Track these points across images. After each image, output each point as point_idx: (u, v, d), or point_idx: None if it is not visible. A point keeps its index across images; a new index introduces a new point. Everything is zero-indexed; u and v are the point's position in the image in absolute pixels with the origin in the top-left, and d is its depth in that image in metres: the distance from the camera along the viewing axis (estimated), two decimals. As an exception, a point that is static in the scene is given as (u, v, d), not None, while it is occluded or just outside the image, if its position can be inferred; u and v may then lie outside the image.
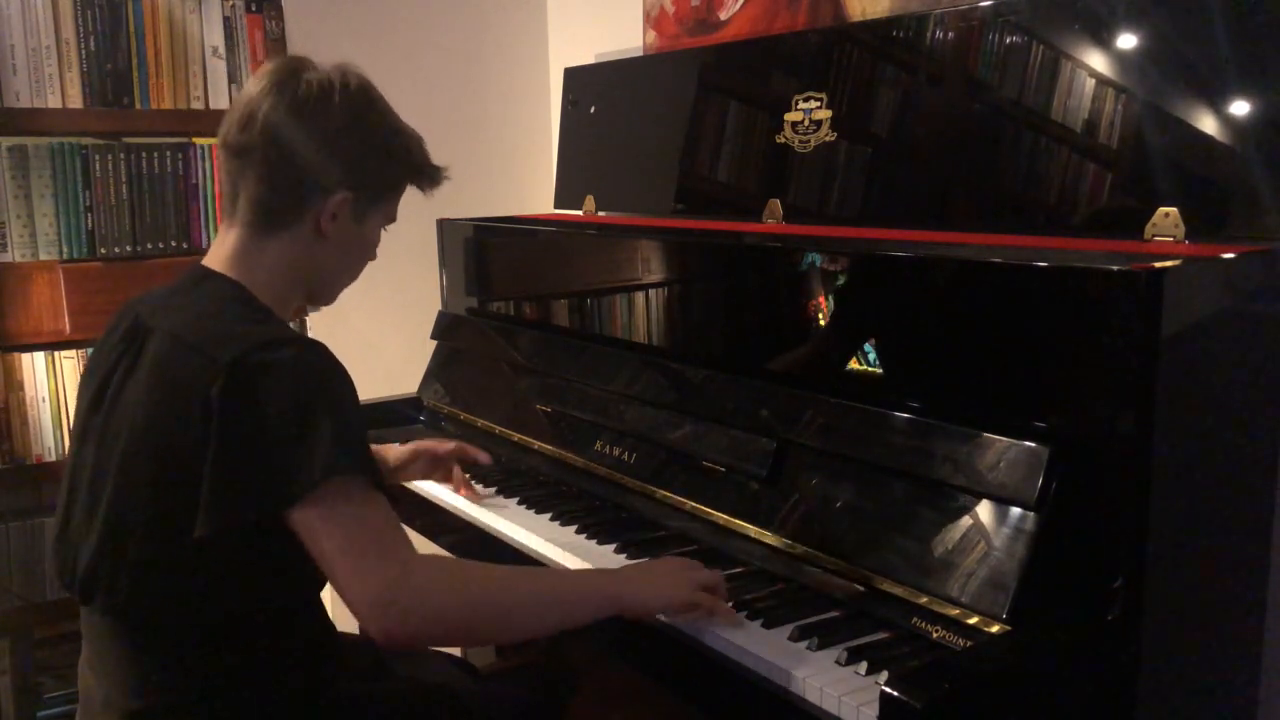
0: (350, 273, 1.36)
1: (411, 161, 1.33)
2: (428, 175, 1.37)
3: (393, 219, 1.37)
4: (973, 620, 1.12)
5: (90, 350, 2.09)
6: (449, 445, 1.76)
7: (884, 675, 1.09)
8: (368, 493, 1.13)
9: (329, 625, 1.34)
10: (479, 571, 1.22)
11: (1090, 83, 1.41)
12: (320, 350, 1.16)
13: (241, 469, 1.09)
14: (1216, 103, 1.30)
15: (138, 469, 1.15)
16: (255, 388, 1.10)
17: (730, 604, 1.27)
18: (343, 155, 1.24)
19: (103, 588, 1.17)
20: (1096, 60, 1.41)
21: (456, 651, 2.38)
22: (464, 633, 1.24)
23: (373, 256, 1.38)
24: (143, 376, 1.17)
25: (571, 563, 1.46)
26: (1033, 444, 1.12)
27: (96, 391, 1.23)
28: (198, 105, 2.20)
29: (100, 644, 1.22)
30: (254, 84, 1.25)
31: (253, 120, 1.22)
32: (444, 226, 2.27)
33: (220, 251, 1.27)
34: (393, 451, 1.75)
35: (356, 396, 1.17)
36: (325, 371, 1.14)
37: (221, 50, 2.21)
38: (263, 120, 1.22)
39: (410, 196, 1.38)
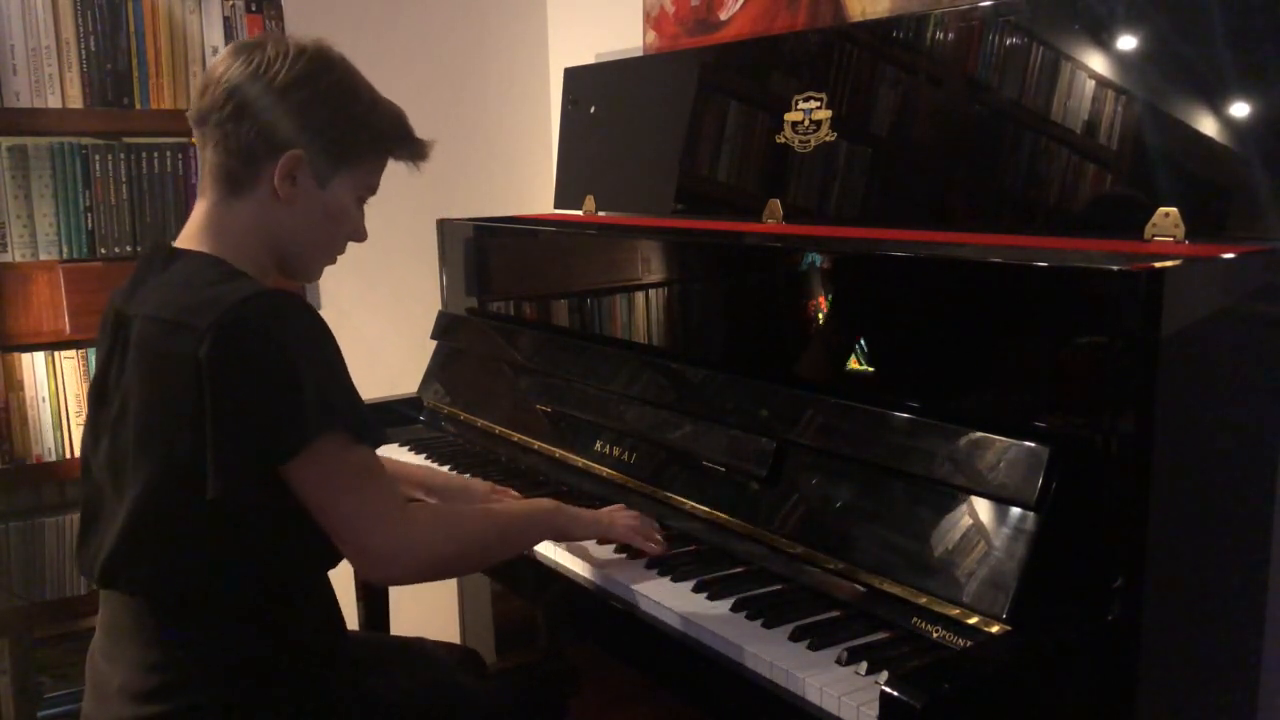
0: (323, 244, 1.32)
1: (376, 126, 1.30)
2: (401, 144, 1.33)
3: (370, 190, 1.33)
4: (973, 620, 1.12)
5: (90, 350, 2.11)
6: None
7: (884, 675, 1.09)
8: (358, 446, 1.17)
9: (338, 612, 1.36)
10: (462, 518, 1.35)
11: (1090, 83, 1.41)
12: (296, 303, 1.17)
13: (241, 426, 1.12)
14: (1216, 103, 1.30)
15: (149, 452, 1.17)
16: (240, 345, 1.12)
17: (657, 548, 1.43)
18: (291, 112, 1.22)
19: (126, 568, 1.19)
20: (1096, 61, 1.41)
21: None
22: (452, 571, 1.36)
23: (358, 235, 1.34)
24: (132, 364, 1.19)
25: (574, 564, 1.46)
26: (1033, 444, 1.12)
27: (99, 390, 1.25)
28: (198, 105, 2.20)
29: (119, 628, 1.23)
30: (217, 57, 1.26)
31: (209, 86, 1.23)
32: (444, 226, 2.27)
33: (191, 227, 1.27)
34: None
35: (335, 347, 1.19)
36: (302, 324, 1.16)
37: (221, 50, 2.21)
38: (217, 84, 1.22)
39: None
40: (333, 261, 1.36)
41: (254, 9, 2.24)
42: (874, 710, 1.01)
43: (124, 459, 1.19)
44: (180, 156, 2.16)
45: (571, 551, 1.48)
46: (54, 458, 2.10)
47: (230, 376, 1.12)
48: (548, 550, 1.51)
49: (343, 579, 1.44)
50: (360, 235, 1.35)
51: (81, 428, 2.09)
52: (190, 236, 1.27)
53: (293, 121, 1.22)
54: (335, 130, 1.25)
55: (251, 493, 1.15)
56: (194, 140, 1.28)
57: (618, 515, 1.47)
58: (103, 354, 1.26)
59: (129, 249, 2.13)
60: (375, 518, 1.17)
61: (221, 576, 1.19)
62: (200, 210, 1.27)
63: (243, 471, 1.13)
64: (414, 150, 1.35)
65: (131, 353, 1.19)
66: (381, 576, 1.24)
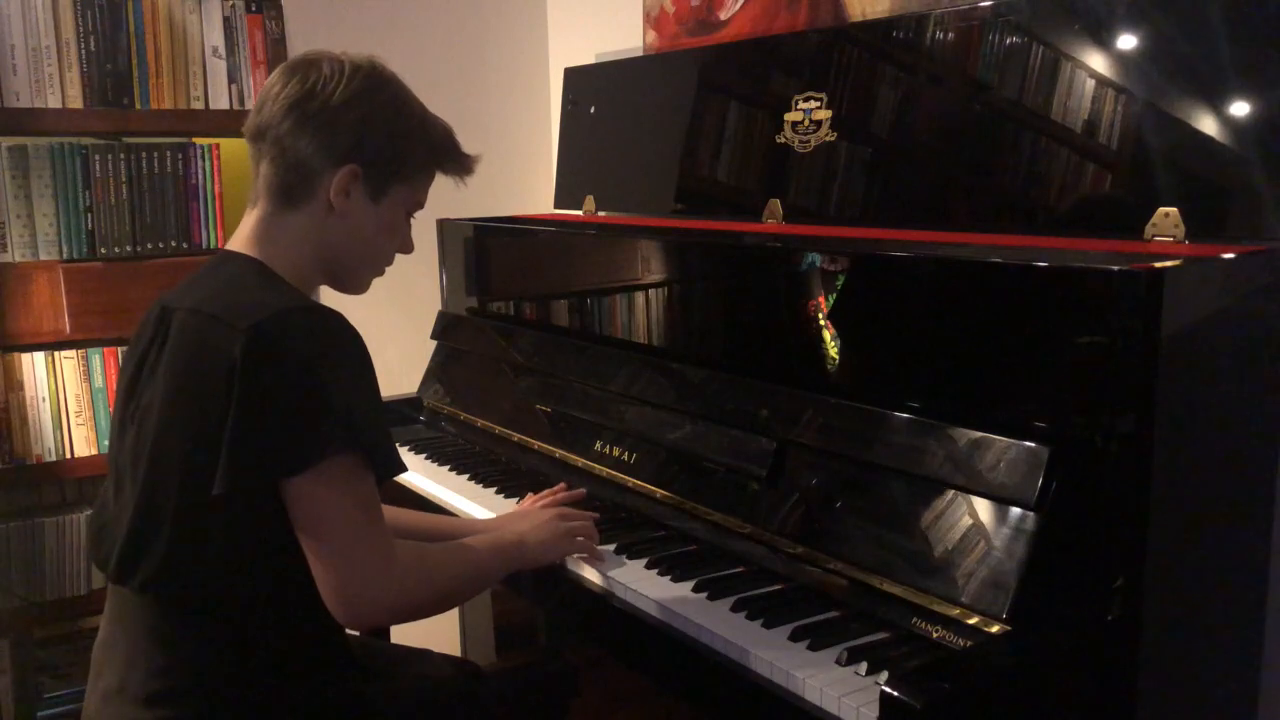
0: (372, 257, 1.34)
1: (428, 141, 1.33)
2: (450, 159, 1.36)
3: (419, 205, 1.36)
4: (973, 620, 1.12)
5: (90, 350, 2.11)
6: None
7: (884, 675, 1.09)
8: (361, 478, 1.16)
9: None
10: (437, 557, 1.30)
11: (1090, 83, 1.41)
12: (340, 321, 1.18)
13: (258, 431, 1.12)
14: (1216, 103, 1.30)
15: (170, 441, 1.17)
16: (275, 351, 1.12)
17: (597, 542, 1.46)
18: (347, 128, 1.24)
19: (140, 564, 1.18)
20: (1096, 60, 1.41)
21: (457, 651, 2.39)
22: (424, 613, 1.30)
23: (406, 247, 1.37)
24: (169, 352, 1.20)
25: (573, 564, 1.46)
26: (1033, 444, 1.12)
27: (130, 381, 1.26)
28: (198, 105, 2.20)
29: (126, 625, 1.23)
30: (272, 74, 1.28)
31: (265, 104, 1.26)
32: (444, 226, 2.27)
33: (241, 233, 1.29)
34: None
35: (371, 370, 1.20)
36: (342, 342, 1.17)
37: (221, 50, 2.21)
38: (273, 102, 1.25)
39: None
40: (380, 274, 1.38)
41: (254, 9, 2.24)
42: (874, 710, 1.01)
43: (144, 449, 1.19)
44: (180, 156, 2.17)
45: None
46: (54, 458, 2.10)
47: (260, 379, 1.12)
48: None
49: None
50: (408, 247, 1.37)
51: (81, 428, 2.11)
52: (241, 242, 1.28)
53: (349, 137, 1.25)
54: (390, 146, 1.28)
55: (256, 497, 1.14)
56: (245, 153, 1.31)
57: (570, 538, 1.44)
58: (140, 348, 1.26)
59: (129, 249, 2.13)
60: (360, 561, 1.16)
61: (229, 579, 1.18)
62: (251, 219, 1.29)
63: (251, 474, 1.12)
64: (462, 165, 1.39)
65: (170, 342, 1.20)
66: (351, 620, 1.19)
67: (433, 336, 2.22)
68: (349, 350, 1.18)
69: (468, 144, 1.41)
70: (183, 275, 1.31)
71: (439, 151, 1.35)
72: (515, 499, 1.70)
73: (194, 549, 1.17)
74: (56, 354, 2.09)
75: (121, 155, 2.12)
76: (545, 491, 1.66)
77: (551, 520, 1.46)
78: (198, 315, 1.19)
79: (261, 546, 1.18)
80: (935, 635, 1.15)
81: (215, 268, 1.28)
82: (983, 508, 1.15)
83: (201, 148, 2.19)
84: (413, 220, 1.38)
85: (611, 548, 1.48)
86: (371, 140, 1.26)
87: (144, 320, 1.29)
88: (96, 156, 2.10)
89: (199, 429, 1.14)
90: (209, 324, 1.17)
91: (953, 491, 1.18)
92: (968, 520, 1.16)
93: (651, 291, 1.73)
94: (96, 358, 2.12)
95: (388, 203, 1.31)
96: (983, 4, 1.55)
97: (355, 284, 1.35)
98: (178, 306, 1.22)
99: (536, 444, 1.82)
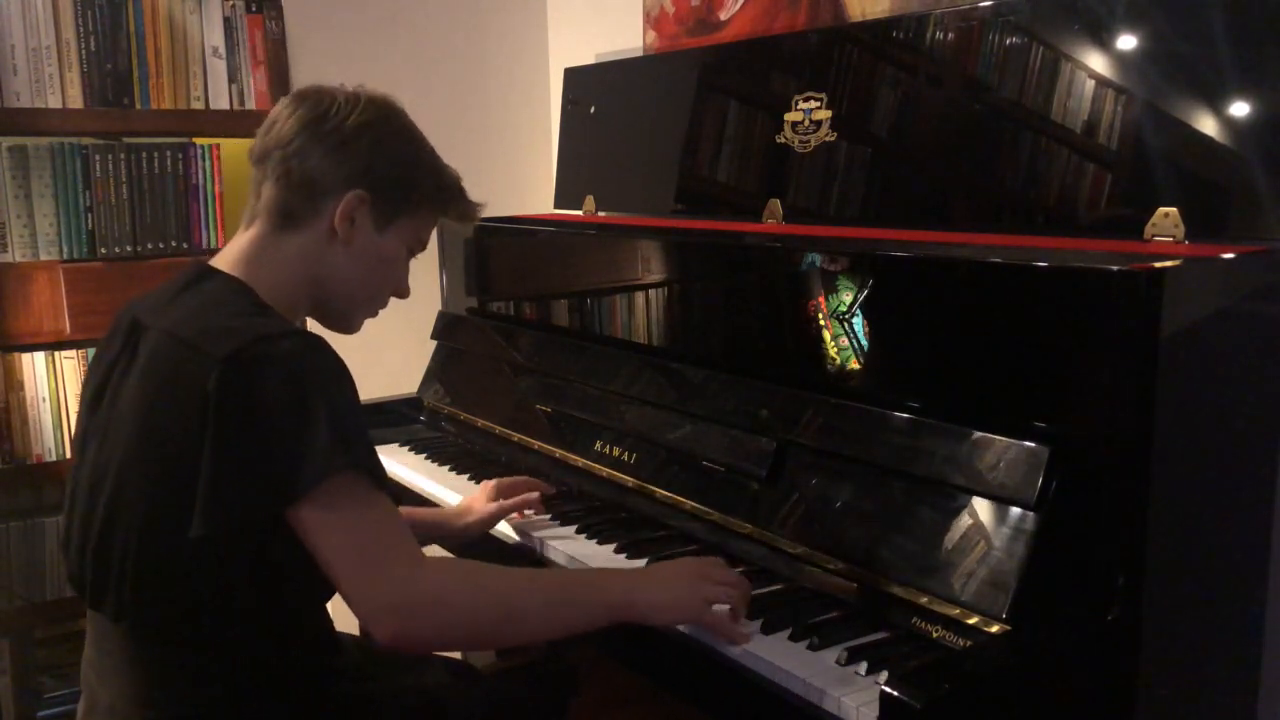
0: (369, 292, 1.32)
1: (438, 176, 1.33)
2: (458, 200, 1.36)
3: (421, 245, 1.35)
4: (973, 620, 1.12)
5: (90, 350, 2.11)
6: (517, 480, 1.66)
7: (884, 675, 1.09)
8: (370, 492, 1.11)
9: (332, 630, 1.34)
10: (491, 574, 1.20)
11: (1090, 83, 1.41)
12: (318, 344, 1.13)
13: (238, 467, 1.07)
14: (1216, 103, 1.30)
15: (135, 469, 1.13)
16: (252, 382, 1.07)
17: (743, 617, 1.22)
18: (355, 155, 1.24)
19: (109, 592, 1.15)
20: (1096, 61, 1.41)
21: (456, 653, 2.38)
22: (474, 638, 1.24)
23: (401, 290, 1.36)
24: (138, 375, 1.16)
25: (571, 563, 1.46)
26: (1032, 444, 1.12)
27: (95, 392, 1.22)
28: (198, 105, 2.20)
29: (106, 648, 1.21)
30: (280, 102, 1.28)
31: (272, 127, 1.25)
32: (444, 226, 2.27)
33: (230, 252, 1.26)
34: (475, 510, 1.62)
35: (355, 391, 1.16)
36: (323, 365, 1.12)
37: (221, 50, 2.21)
38: (281, 126, 1.24)
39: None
40: (374, 314, 1.36)
41: (254, 9, 2.24)
42: (874, 710, 1.01)
43: (106, 477, 1.15)
44: (180, 156, 2.17)
45: (570, 550, 1.48)
46: (54, 458, 2.10)
47: (237, 413, 1.07)
48: (545, 550, 1.51)
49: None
50: (404, 290, 1.37)
51: (82, 428, 2.11)
52: (228, 261, 1.25)
53: (361, 160, 1.24)
54: (401, 174, 1.28)
55: (237, 537, 1.10)
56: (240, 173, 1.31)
57: (696, 589, 1.22)
58: (107, 358, 1.22)
59: (129, 249, 2.13)
60: (382, 567, 1.09)
61: (206, 611, 1.14)
62: (244, 238, 1.26)
63: (234, 515, 1.08)
64: (467, 210, 1.38)
65: (140, 363, 1.16)
66: (388, 634, 1.09)
67: (433, 336, 2.22)
68: (332, 372, 1.13)
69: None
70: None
71: (447, 190, 1.35)
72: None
73: (164, 581, 1.13)
74: (56, 354, 2.09)
75: (121, 155, 2.12)
76: (503, 480, 1.64)
77: (691, 575, 1.24)
78: (171, 340, 1.14)
79: (237, 579, 1.13)
80: (935, 635, 1.15)
81: (192, 284, 1.22)
82: (982, 508, 1.15)
83: (201, 148, 2.19)
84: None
85: (611, 548, 1.48)
86: (382, 166, 1.25)
87: (114, 328, 1.25)
88: (96, 156, 2.10)
89: (166, 464, 1.10)
90: (183, 351, 1.12)
91: (953, 491, 1.18)
92: (967, 520, 1.16)
93: (651, 291, 1.73)
94: (96, 358, 2.12)
95: (392, 234, 1.29)
96: (983, 4, 1.55)
97: (347, 319, 1.32)
98: (151, 325, 1.18)
99: (536, 444, 1.82)
